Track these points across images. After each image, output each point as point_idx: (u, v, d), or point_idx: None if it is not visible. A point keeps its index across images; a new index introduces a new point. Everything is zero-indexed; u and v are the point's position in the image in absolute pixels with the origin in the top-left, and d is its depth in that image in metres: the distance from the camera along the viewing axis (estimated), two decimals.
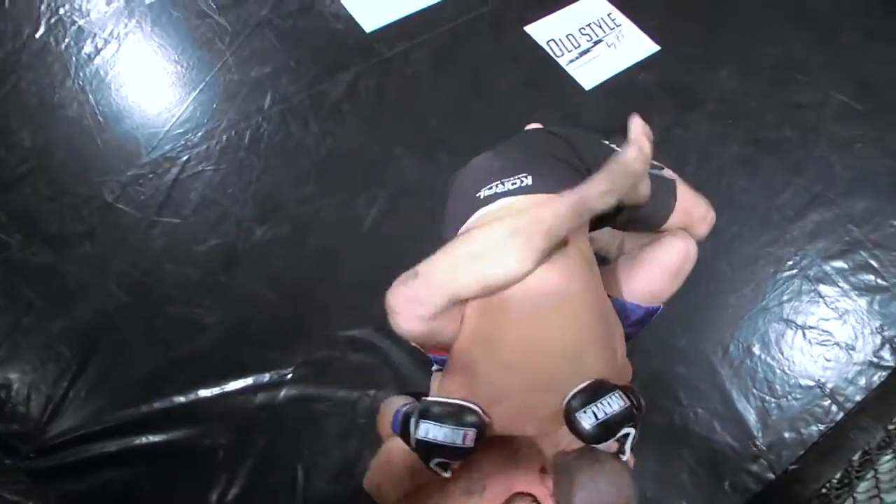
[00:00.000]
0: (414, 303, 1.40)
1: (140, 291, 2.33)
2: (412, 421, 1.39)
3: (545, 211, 1.39)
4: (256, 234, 2.41)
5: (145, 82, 2.69)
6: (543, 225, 1.37)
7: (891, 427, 2.00)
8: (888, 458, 1.84)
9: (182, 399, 2.23)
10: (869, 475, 1.88)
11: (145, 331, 2.29)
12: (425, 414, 1.38)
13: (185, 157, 2.51)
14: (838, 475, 1.96)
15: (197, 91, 2.63)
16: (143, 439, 2.15)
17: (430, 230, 2.37)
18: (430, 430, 1.36)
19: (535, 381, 1.41)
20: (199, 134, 2.55)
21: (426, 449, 1.36)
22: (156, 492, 2.13)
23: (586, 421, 1.31)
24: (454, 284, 1.40)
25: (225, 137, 2.54)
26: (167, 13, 2.81)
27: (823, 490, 1.96)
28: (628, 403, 1.34)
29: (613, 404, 1.33)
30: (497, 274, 1.39)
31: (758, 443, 2.13)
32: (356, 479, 1.92)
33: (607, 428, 1.31)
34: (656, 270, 1.74)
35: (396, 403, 1.83)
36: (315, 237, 2.41)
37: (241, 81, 2.60)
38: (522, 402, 1.42)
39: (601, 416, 1.31)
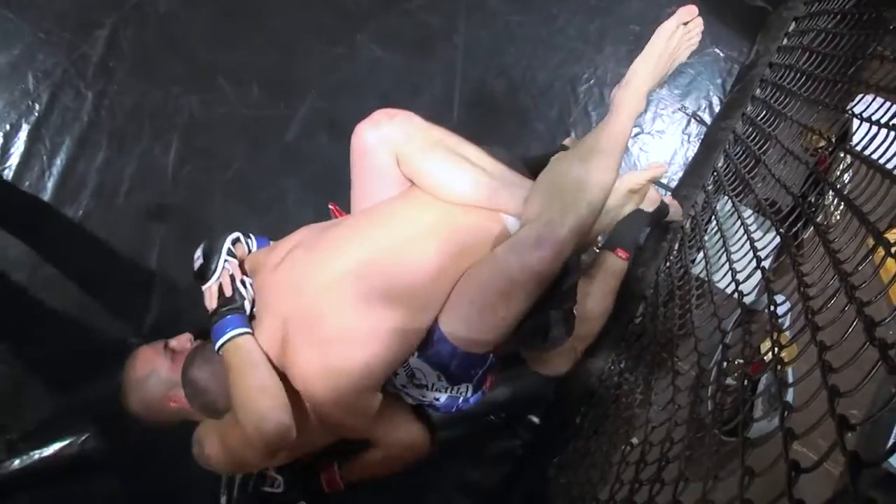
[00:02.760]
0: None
1: None
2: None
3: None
4: (69, 216, 2.33)
5: None
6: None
7: (708, 188, 2.11)
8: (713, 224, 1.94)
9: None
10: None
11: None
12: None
13: None
14: (676, 245, 2.07)
15: None
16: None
17: (233, 155, 2.36)
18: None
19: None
20: None
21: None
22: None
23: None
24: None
25: (0, 134, 2.40)
26: None
27: (667, 263, 2.07)
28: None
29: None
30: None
31: None
32: None
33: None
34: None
35: None
36: (128, 201, 2.36)
37: None
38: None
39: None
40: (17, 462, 2.15)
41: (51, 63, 2.45)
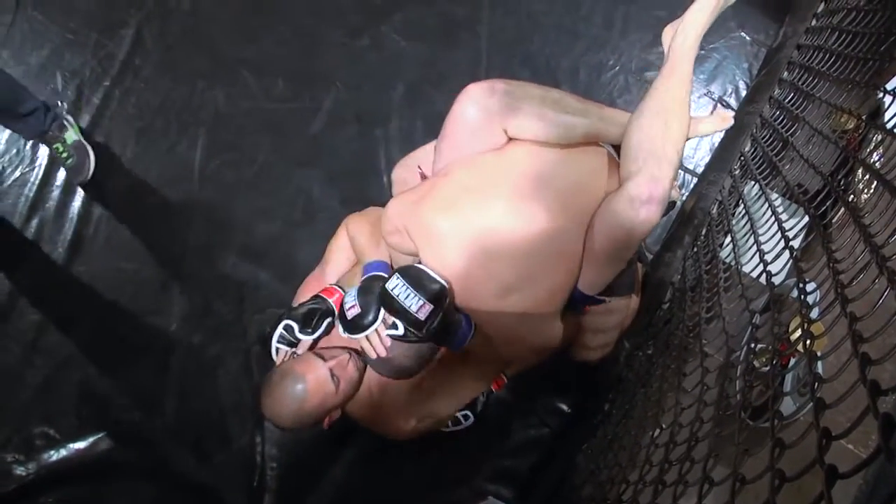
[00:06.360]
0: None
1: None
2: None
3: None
4: (95, 215, 2.35)
5: None
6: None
7: (735, 172, 2.09)
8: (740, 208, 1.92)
9: (86, 402, 2.21)
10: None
11: (24, 348, 2.25)
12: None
13: None
14: (704, 231, 2.05)
15: None
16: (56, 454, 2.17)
17: (258, 148, 2.37)
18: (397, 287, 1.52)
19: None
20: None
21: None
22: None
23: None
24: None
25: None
26: None
27: (694, 249, 2.04)
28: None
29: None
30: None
31: None
32: None
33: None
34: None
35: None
36: (151, 196, 2.37)
37: (26, 72, 2.48)
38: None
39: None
40: (53, 455, 2.16)
41: (78, 62, 2.50)
